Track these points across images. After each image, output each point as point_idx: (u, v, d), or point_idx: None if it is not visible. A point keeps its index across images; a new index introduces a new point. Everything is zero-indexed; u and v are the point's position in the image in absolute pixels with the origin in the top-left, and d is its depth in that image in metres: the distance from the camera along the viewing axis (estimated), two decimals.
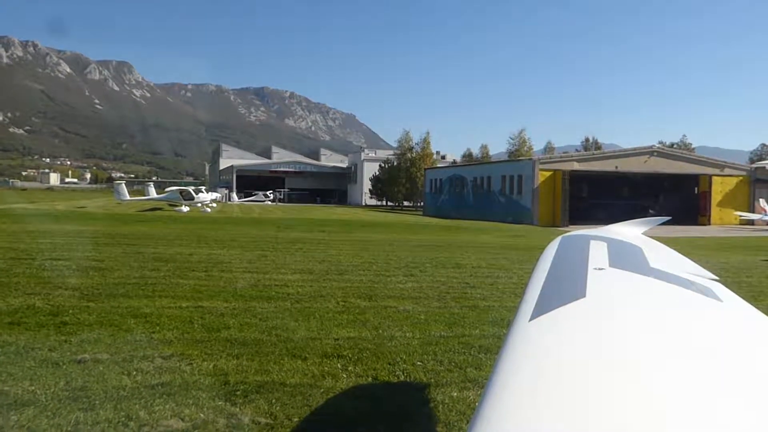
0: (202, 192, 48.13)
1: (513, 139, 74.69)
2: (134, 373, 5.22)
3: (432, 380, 5.35)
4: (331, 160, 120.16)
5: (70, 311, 7.54)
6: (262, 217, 38.83)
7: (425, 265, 13.70)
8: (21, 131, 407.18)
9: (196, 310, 7.88)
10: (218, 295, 9.04)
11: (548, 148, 79.66)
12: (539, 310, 1.63)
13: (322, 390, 4.98)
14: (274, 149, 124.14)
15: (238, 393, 4.81)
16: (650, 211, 39.81)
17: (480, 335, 6.98)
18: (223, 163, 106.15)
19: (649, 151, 45.09)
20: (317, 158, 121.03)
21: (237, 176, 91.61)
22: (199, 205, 43.90)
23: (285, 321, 7.42)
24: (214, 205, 48.45)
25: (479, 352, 6.24)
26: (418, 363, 5.80)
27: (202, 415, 4.38)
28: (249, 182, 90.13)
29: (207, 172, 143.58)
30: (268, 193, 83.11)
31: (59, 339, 6.26)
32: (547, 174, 42.94)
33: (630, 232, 3.51)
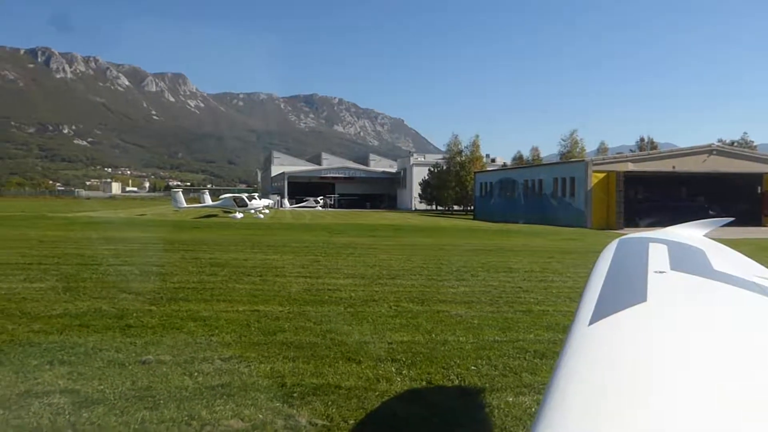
0: (255, 199, 49.12)
1: (565, 141, 73.11)
2: (195, 374, 5.39)
3: (487, 385, 5.32)
4: (380, 165, 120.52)
5: (134, 314, 7.85)
6: (313, 222, 39.33)
7: (477, 269, 13.61)
8: (84, 143, 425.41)
9: (252, 313, 8.07)
10: (273, 299, 9.23)
11: (601, 149, 77.58)
12: (599, 314, 1.61)
13: (377, 393, 5.03)
14: (324, 155, 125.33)
15: (295, 395, 4.91)
16: (710, 212, 38.29)
17: (535, 340, 6.90)
18: (275, 170, 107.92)
19: (708, 150, 43.41)
20: (366, 164, 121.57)
21: (288, 183, 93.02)
22: (253, 211, 44.79)
23: (339, 325, 7.51)
24: (267, 211, 49.35)
25: (534, 356, 6.16)
26: (472, 367, 5.78)
27: (260, 415, 4.49)
28: (300, 188, 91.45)
29: (259, 179, 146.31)
30: (318, 199, 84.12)
31: (125, 341, 6.52)
32: (601, 175, 41.88)
33: (691, 234, 3.41)
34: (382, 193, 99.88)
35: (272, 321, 7.64)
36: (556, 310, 8.72)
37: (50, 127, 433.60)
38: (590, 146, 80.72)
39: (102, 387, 5.01)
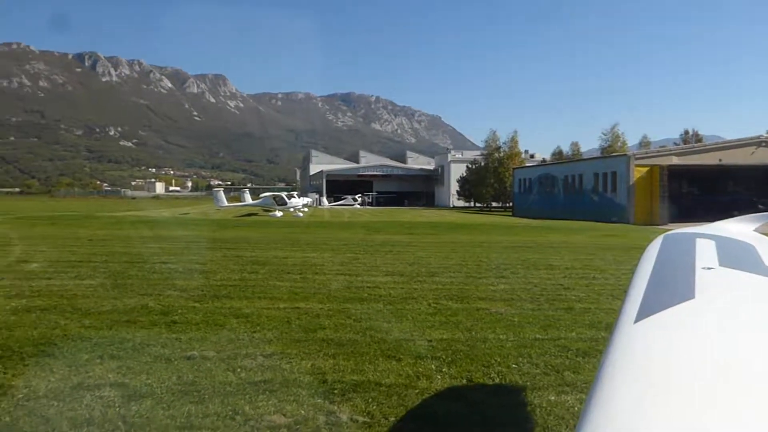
0: (294, 197, 49.64)
1: (605, 135, 71.63)
2: (238, 369, 5.50)
3: (528, 383, 5.27)
4: (417, 162, 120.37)
5: (179, 311, 8.05)
6: (351, 220, 39.53)
7: (516, 266, 13.48)
8: (130, 144, 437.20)
9: (293, 311, 8.18)
10: (313, 296, 9.33)
11: (643, 143, 75.71)
12: (645, 312, 1.59)
13: (417, 391, 5.04)
14: (362, 153, 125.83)
15: (336, 391, 4.96)
16: (759, 206, 36.94)
17: (577, 338, 6.80)
18: (313, 169, 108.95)
19: (757, 142, 41.87)
20: (404, 161, 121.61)
21: (326, 181, 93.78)
22: (292, 209, 45.28)
23: (378, 322, 7.55)
24: (306, 209, 49.83)
25: (576, 355, 6.08)
26: (513, 366, 5.73)
27: (302, 411, 4.55)
28: (338, 187, 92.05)
29: (298, 178, 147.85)
30: (356, 197, 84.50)
31: (170, 336, 6.70)
32: (644, 170, 40.89)
33: (740, 229, 3.30)
34: (419, 191, 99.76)
35: (312, 318, 7.73)
36: (598, 308, 8.57)
37: (97, 129, 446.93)
38: (632, 140, 78.84)
39: (149, 381, 5.16)
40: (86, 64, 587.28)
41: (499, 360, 5.89)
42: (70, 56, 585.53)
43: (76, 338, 6.54)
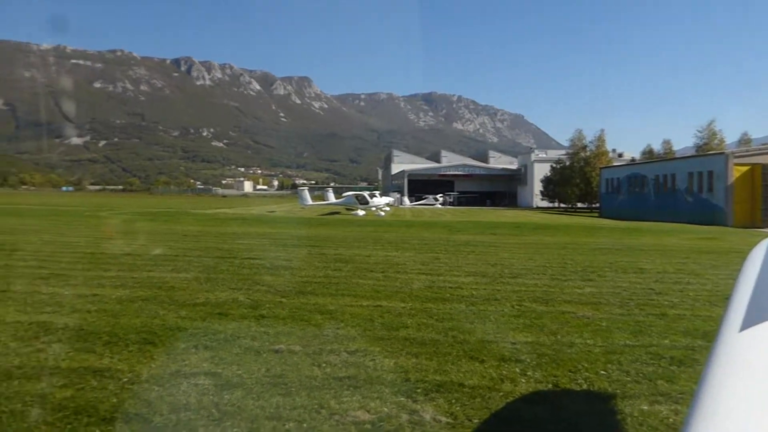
0: (376, 196, 50.18)
1: (701, 132, 67.55)
2: (323, 365, 5.64)
3: (618, 391, 5.08)
4: (500, 162, 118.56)
5: (267, 305, 8.34)
6: (432, 220, 39.49)
7: (604, 269, 13.00)
8: (221, 144, 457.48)
9: (375, 309, 8.28)
10: (395, 295, 9.40)
11: (743, 140, 70.71)
12: (751, 320, 1.51)
13: (501, 393, 4.97)
14: (443, 153, 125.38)
15: (419, 390, 4.98)
16: None
17: (670, 346, 6.48)
18: (395, 168, 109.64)
19: None
20: (486, 160, 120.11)
21: (408, 180, 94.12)
22: (374, 209, 45.80)
23: (461, 323, 7.51)
24: (388, 209, 50.23)
25: (671, 364, 5.79)
26: (602, 372, 5.54)
27: (386, 409, 4.60)
28: (419, 186, 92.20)
29: (380, 177, 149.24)
30: (437, 196, 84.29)
31: (259, 330, 6.96)
32: (744, 169, 38.31)
33: None
34: (502, 191, 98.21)
35: (395, 317, 7.79)
36: (694, 315, 8.12)
37: (191, 131, 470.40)
38: (730, 137, 74.03)
39: (240, 372, 5.38)
40: (182, 68, 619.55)
41: (586, 366, 5.72)
42: (167, 61, 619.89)
43: (173, 328, 6.93)
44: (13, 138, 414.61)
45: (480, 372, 5.50)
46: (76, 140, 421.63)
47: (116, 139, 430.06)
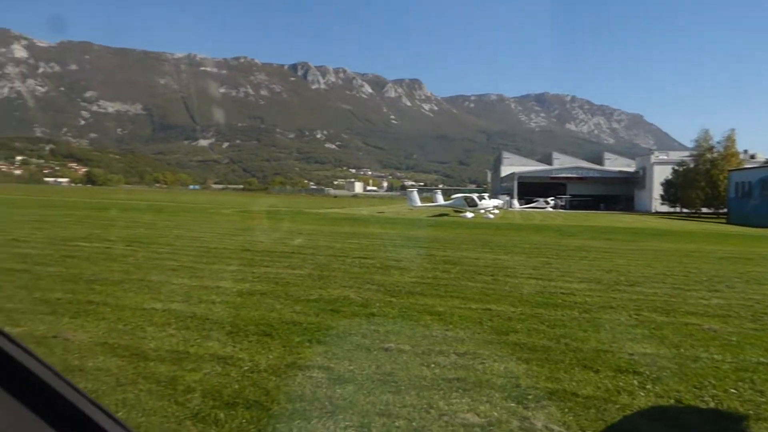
0: (485, 199, 49.54)
1: None
2: (432, 365, 5.67)
3: (751, 412, 4.69)
4: (615, 164, 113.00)
5: (377, 304, 8.52)
6: (543, 224, 38.36)
7: (733, 279, 12.04)
8: (334, 146, 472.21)
9: (484, 312, 8.19)
10: (505, 299, 9.25)
11: None
12: None
13: (617, 406, 4.75)
14: (555, 155, 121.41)
15: (530, 397, 4.88)
16: None
17: None
18: (505, 170, 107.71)
19: None
20: (600, 163, 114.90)
21: (518, 183, 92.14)
22: (482, 211, 45.27)
23: (573, 330, 7.26)
24: (497, 211, 49.45)
25: None
26: (732, 390, 5.14)
27: (495, 413, 4.55)
28: (529, 189, 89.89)
29: (489, 180, 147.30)
30: (548, 199, 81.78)
31: (369, 328, 7.11)
32: None
33: None
34: (617, 194, 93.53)
35: (504, 321, 7.68)
36: None
37: (306, 133, 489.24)
38: None
39: (351, 368, 5.54)
40: (299, 73, 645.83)
41: (713, 382, 5.32)
42: (285, 67, 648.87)
43: (288, 322, 7.26)
44: (150, 140, 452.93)
45: (595, 382, 5.29)
46: (203, 142, 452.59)
47: (238, 141, 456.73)
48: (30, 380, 0.73)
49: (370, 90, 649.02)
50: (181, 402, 4.59)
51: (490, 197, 55.93)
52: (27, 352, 0.76)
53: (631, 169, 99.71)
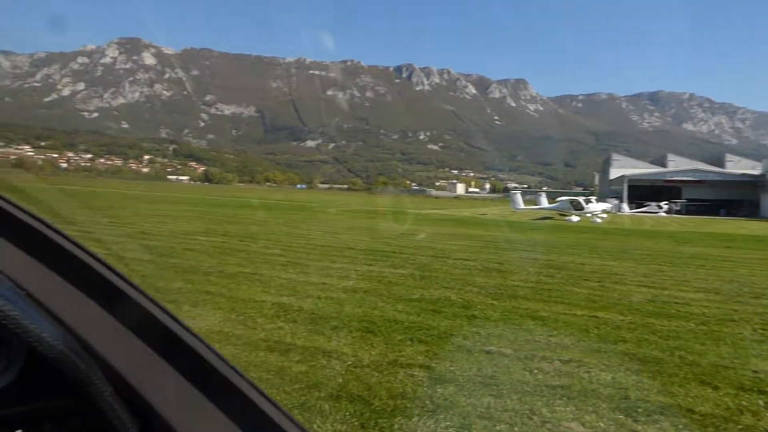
0: (592, 202, 47.59)
1: None
2: (535, 371, 5.56)
3: None
4: (739, 166, 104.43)
5: (478, 306, 8.46)
6: (655, 229, 36.26)
7: None
8: (436, 147, 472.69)
9: (590, 319, 7.91)
10: (613, 306, 8.88)
11: None
12: None
13: (740, 426, 4.43)
14: (670, 157, 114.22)
15: (640, 410, 4.66)
16: None
17: None
18: (614, 173, 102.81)
19: None
20: (721, 165, 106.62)
21: (628, 186, 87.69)
22: (589, 215, 43.55)
23: (689, 343, 6.83)
24: (605, 215, 47.35)
25: None
26: None
27: (602, 424, 4.39)
28: (641, 192, 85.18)
29: (596, 182, 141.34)
30: (662, 204, 77.11)
31: (470, 330, 7.09)
32: None
33: None
34: (740, 199, 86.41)
35: (612, 329, 7.37)
36: None
37: (409, 134, 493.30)
38: None
39: (452, 368, 5.55)
40: (403, 74, 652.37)
41: None
42: (390, 69, 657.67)
43: (391, 320, 7.38)
44: (262, 141, 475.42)
45: (713, 399, 4.96)
46: (310, 143, 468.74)
47: (343, 142, 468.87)
48: (215, 377, 0.82)
49: (474, 91, 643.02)
50: (288, 391, 4.81)
51: (598, 201, 53.62)
52: (214, 352, 0.84)
53: (757, 172, 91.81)
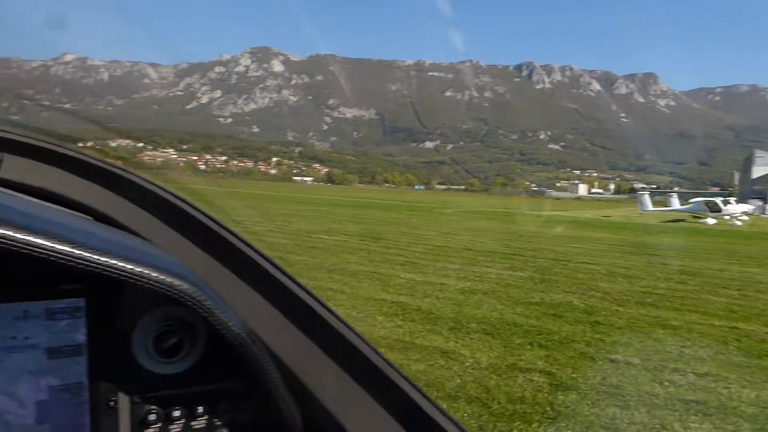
0: (731, 204, 43.74)
1: None
2: (666, 383, 5.24)
3: None
4: None
5: (602, 312, 8.10)
6: None
7: None
8: (557, 147, 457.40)
9: (730, 330, 7.31)
10: (757, 318, 8.14)
11: None
12: None
13: None
14: None
15: None
16: None
17: None
18: (757, 171, 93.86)
19: None
20: None
21: None
22: (727, 217, 40.12)
23: None
24: (745, 218, 43.32)
25: None
26: None
27: None
28: None
29: (736, 182, 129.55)
30: None
31: (594, 336, 6.82)
32: None
33: None
34: None
35: (756, 343, 6.77)
36: None
37: (529, 134, 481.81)
38: None
39: (574, 375, 5.37)
40: (523, 73, 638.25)
41: None
42: (510, 68, 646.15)
43: (510, 323, 7.27)
44: (381, 142, 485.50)
45: None
46: (428, 144, 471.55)
47: (461, 143, 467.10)
48: (385, 382, 0.86)
49: (598, 87, 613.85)
50: None
51: (737, 202, 49.14)
52: (370, 347, 0.90)
53: None
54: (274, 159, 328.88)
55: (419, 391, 0.86)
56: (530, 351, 6.11)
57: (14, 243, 0.59)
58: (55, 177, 0.89)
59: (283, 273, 0.91)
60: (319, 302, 0.91)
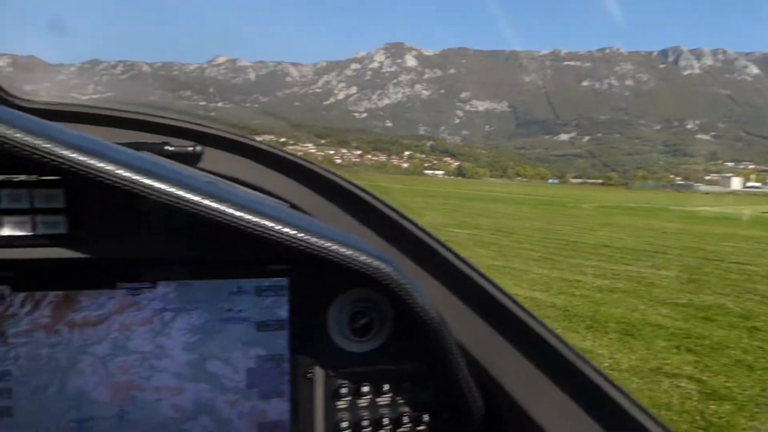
0: None
1: None
2: None
3: None
4: None
5: (762, 318, 7.38)
6: None
7: None
8: (707, 137, 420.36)
9: None
10: None
11: None
12: None
13: None
14: None
15: None
16: None
17: None
18: None
19: None
20: None
21: None
22: None
23: None
24: None
25: None
26: None
27: None
28: None
29: None
30: None
31: (751, 343, 6.23)
32: None
33: None
34: None
35: None
36: None
37: (675, 123, 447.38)
38: None
39: (729, 384, 4.95)
40: (669, 59, 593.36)
41: None
42: (654, 54, 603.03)
43: (653, 324, 6.84)
44: (513, 135, 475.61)
45: None
46: (563, 136, 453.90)
47: (599, 135, 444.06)
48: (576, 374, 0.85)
49: (756, 71, 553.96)
50: None
51: None
52: (555, 336, 0.91)
53: None
54: (407, 153, 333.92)
55: (615, 386, 0.83)
56: (677, 355, 5.71)
57: (248, 224, 0.66)
58: (245, 167, 1.00)
59: (465, 263, 0.95)
60: (502, 291, 0.92)
